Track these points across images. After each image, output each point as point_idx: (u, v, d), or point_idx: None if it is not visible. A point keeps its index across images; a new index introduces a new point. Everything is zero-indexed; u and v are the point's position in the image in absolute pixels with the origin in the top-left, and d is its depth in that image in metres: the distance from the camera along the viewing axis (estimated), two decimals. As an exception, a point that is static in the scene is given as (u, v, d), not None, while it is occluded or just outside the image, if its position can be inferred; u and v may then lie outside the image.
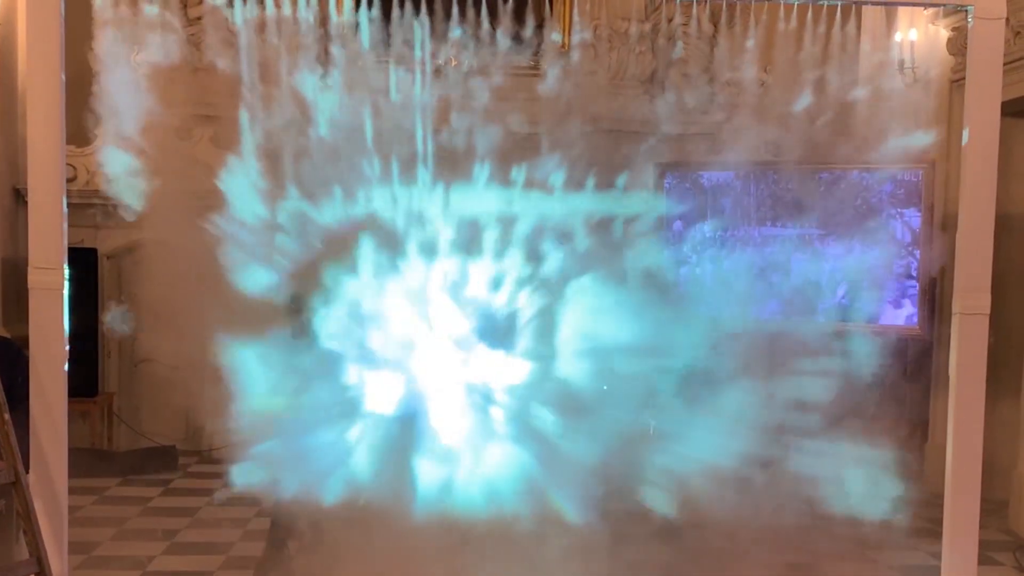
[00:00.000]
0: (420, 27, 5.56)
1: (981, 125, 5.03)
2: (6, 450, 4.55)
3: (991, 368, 5.16)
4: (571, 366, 6.34)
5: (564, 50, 7.36)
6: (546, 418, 6.14)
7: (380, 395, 5.98)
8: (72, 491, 4.85)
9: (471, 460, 5.99)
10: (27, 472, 4.64)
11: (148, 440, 8.70)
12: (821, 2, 5.14)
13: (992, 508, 6.76)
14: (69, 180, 6.02)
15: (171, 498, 7.59)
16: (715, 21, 7.99)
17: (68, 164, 6.48)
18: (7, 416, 4.56)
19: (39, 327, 4.66)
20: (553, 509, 5.83)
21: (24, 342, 5.00)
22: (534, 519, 5.76)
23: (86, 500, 7.23)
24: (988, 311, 5.05)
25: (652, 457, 6.23)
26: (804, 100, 6.19)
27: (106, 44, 5.46)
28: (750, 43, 5.74)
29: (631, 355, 6.36)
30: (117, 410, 8.87)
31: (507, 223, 6.44)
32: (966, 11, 5.06)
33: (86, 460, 7.05)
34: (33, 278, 4.64)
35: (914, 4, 6.33)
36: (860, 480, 6.29)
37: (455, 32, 5.64)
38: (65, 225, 4.68)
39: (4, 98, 7.97)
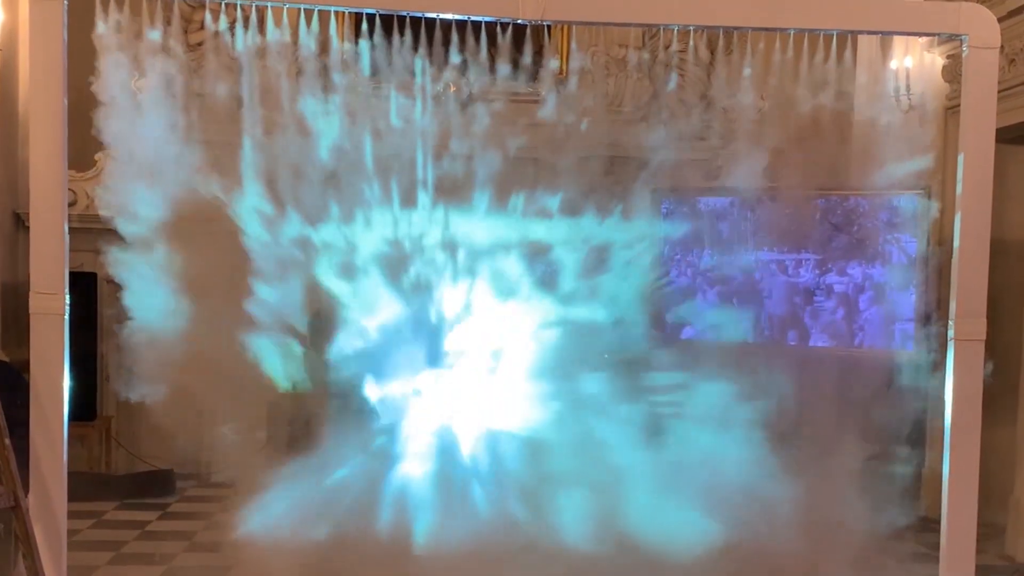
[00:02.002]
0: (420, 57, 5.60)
1: (976, 152, 5.08)
2: (6, 475, 4.55)
3: (987, 393, 5.18)
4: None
5: (562, 77, 7.41)
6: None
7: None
8: (70, 515, 4.85)
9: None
10: (26, 496, 4.64)
11: (146, 464, 8.70)
12: (817, 31, 5.18)
13: (989, 533, 6.76)
14: (69, 205, 6.03)
15: (169, 522, 7.57)
16: (712, 48, 8.04)
17: (68, 189, 6.51)
18: (7, 441, 4.57)
19: (40, 352, 4.67)
20: None
21: (23, 366, 5.00)
22: None
23: (84, 524, 7.22)
24: (984, 337, 5.08)
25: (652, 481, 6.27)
26: (800, 127, 6.22)
27: (108, 69, 5.49)
28: (747, 71, 5.78)
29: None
30: (115, 434, 8.87)
31: (504, 247, 6.49)
32: (961, 40, 5.11)
33: (84, 484, 7.02)
34: (34, 303, 4.65)
35: (909, 33, 6.37)
36: (856, 504, 6.29)
37: (454, 58, 5.67)
38: (67, 250, 4.70)
39: (6, 122, 8.01)
